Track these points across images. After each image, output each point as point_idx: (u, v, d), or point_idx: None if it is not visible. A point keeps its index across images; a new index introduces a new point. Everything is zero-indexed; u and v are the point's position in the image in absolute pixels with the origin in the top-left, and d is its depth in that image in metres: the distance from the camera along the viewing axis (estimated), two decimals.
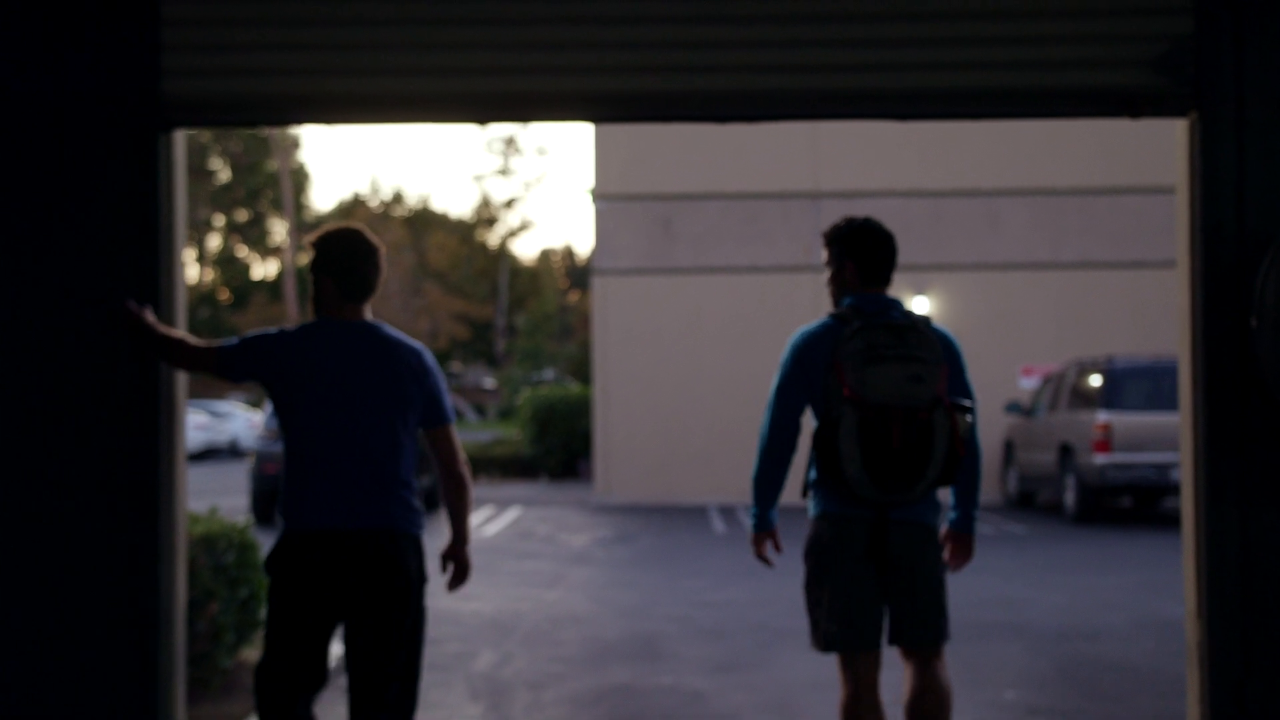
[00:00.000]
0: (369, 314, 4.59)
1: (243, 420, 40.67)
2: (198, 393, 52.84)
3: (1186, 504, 5.22)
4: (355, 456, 4.41)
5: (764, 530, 4.91)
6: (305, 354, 4.45)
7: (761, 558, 4.96)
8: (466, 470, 4.68)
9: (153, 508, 5.05)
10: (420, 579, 4.52)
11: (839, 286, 4.97)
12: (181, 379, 5.26)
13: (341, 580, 4.38)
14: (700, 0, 5.28)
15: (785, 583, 12.33)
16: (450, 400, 4.70)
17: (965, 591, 11.80)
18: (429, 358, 4.60)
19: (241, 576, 7.59)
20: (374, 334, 4.52)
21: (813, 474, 4.81)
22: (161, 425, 5.11)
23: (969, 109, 5.35)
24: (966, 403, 4.78)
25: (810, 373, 4.74)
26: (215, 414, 41.35)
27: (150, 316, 4.84)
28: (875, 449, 4.54)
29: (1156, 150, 21.54)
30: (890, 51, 5.25)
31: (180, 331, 4.95)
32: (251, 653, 8.41)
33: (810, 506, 4.87)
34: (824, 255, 5.03)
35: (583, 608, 11.27)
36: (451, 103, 5.34)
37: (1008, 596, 11.64)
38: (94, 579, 5.03)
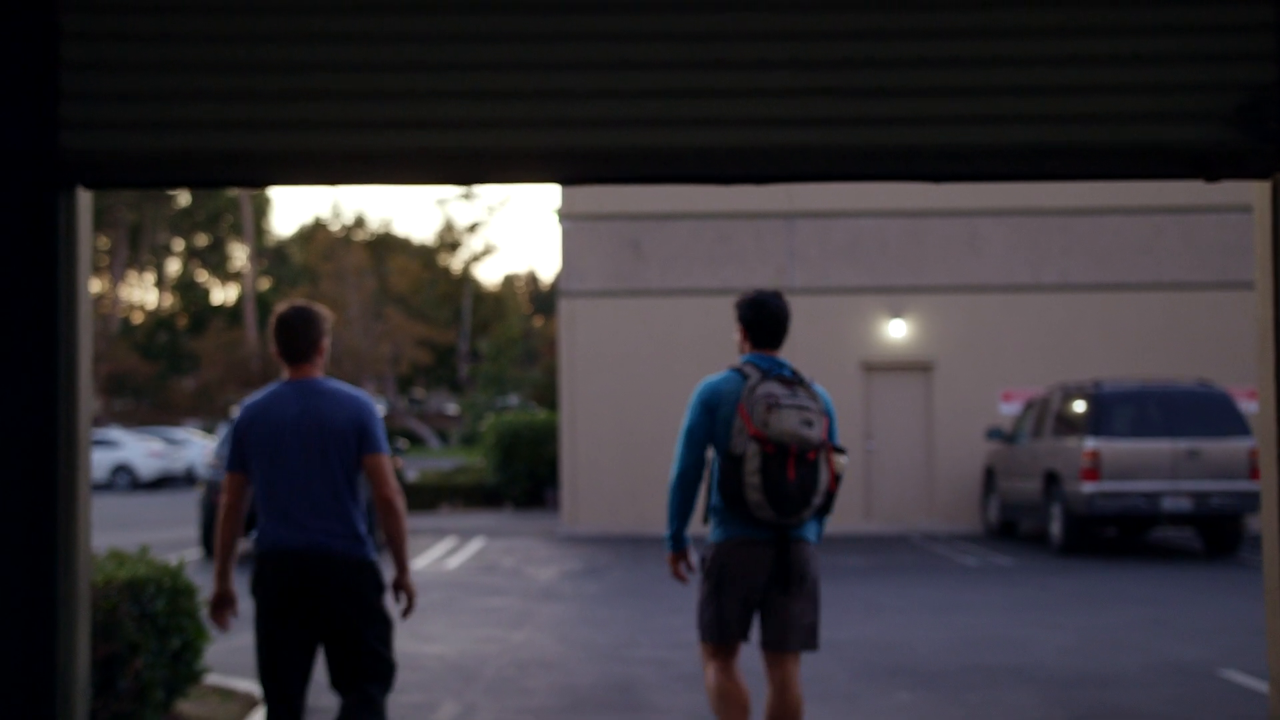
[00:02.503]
0: (318, 370, 5.34)
1: (198, 447, 39.58)
2: (152, 419, 51.81)
3: (1271, 551, 4.48)
4: (305, 491, 5.16)
5: (680, 550, 5.78)
6: (264, 415, 5.25)
7: (677, 575, 5.82)
8: (397, 498, 5.29)
9: (49, 557, 4.25)
10: (367, 592, 5.22)
11: (740, 346, 5.89)
12: (84, 409, 4.45)
13: (301, 591, 5.14)
14: (698, 43, 4.49)
15: None
16: (384, 436, 5.37)
17: (961, 630, 11.10)
18: (365, 401, 5.35)
19: (173, 625, 6.78)
20: (315, 387, 5.29)
21: (716, 502, 5.64)
22: (60, 462, 4.30)
23: (1014, 169, 4.59)
24: (841, 445, 5.72)
25: (717, 416, 5.61)
26: (171, 441, 40.30)
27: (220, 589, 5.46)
28: (774, 480, 5.42)
29: None
30: (922, 102, 4.48)
31: (218, 534, 5.37)
32: (187, 705, 7.60)
33: (712, 533, 5.70)
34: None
35: (552, 650, 10.48)
36: (406, 162, 4.58)
37: (1008, 636, 10.91)
38: None
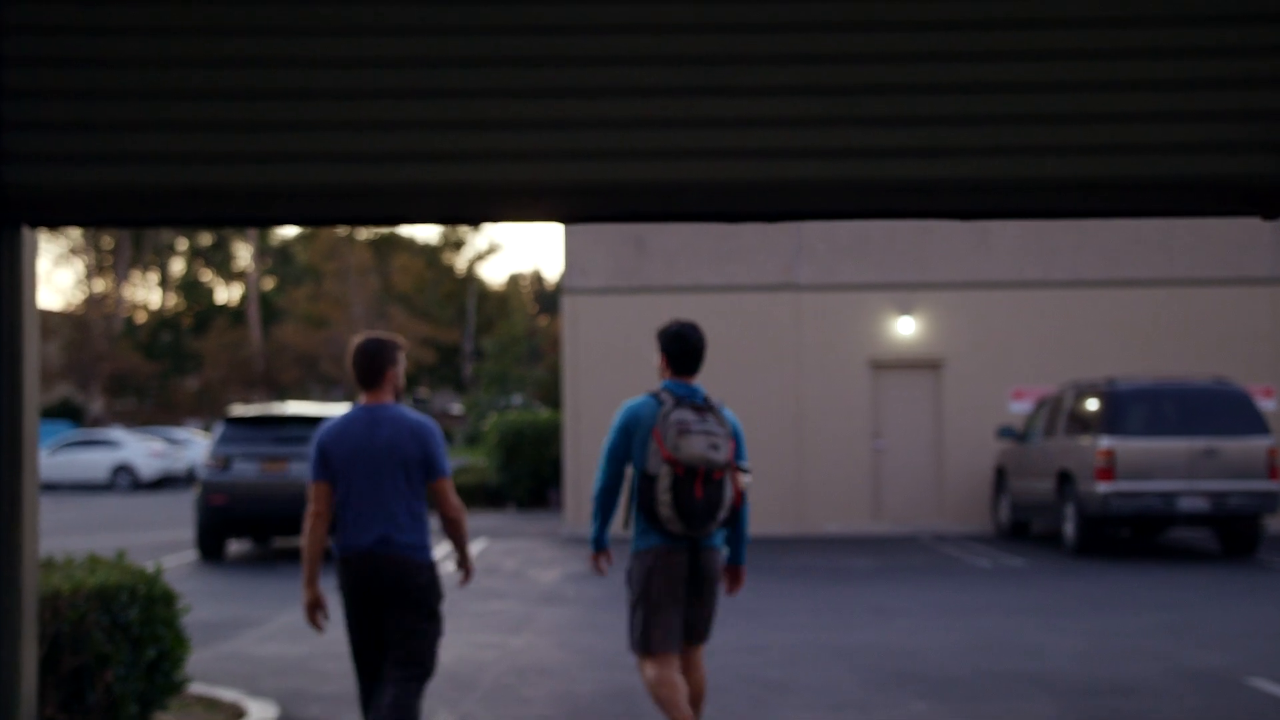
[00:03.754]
0: (387, 395, 6.00)
1: (200, 447, 39.21)
2: (154, 419, 51.49)
3: None
4: (379, 503, 5.90)
5: (602, 549, 6.45)
6: (344, 435, 5.94)
7: (598, 569, 6.48)
8: (458, 514, 6.07)
9: None
10: (424, 589, 5.94)
11: (661, 371, 6.42)
12: (30, 398, 4.09)
13: (369, 586, 5.89)
14: (709, 67, 4.10)
15: (776, 626, 11.30)
16: (446, 459, 6.04)
17: (974, 634, 10.75)
18: (430, 427, 6.00)
19: (148, 634, 6.42)
20: (384, 413, 5.96)
21: (636, 515, 6.26)
22: (2, 460, 3.95)
23: (1051, 205, 4.20)
24: (746, 465, 6.32)
25: (634, 438, 6.26)
26: (172, 441, 39.97)
27: (311, 593, 6.04)
28: (683, 498, 6.06)
29: None
30: (952, 132, 4.09)
31: (307, 542, 6.00)
32: (167, 718, 7.25)
33: (634, 542, 6.31)
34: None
35: (552, 656, 10.14)
36: (388, 197, 4.13)
37: (1022, 641, 10.54)
38: None
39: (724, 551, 6.41)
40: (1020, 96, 4.13)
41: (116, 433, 38.72)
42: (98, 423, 50.05)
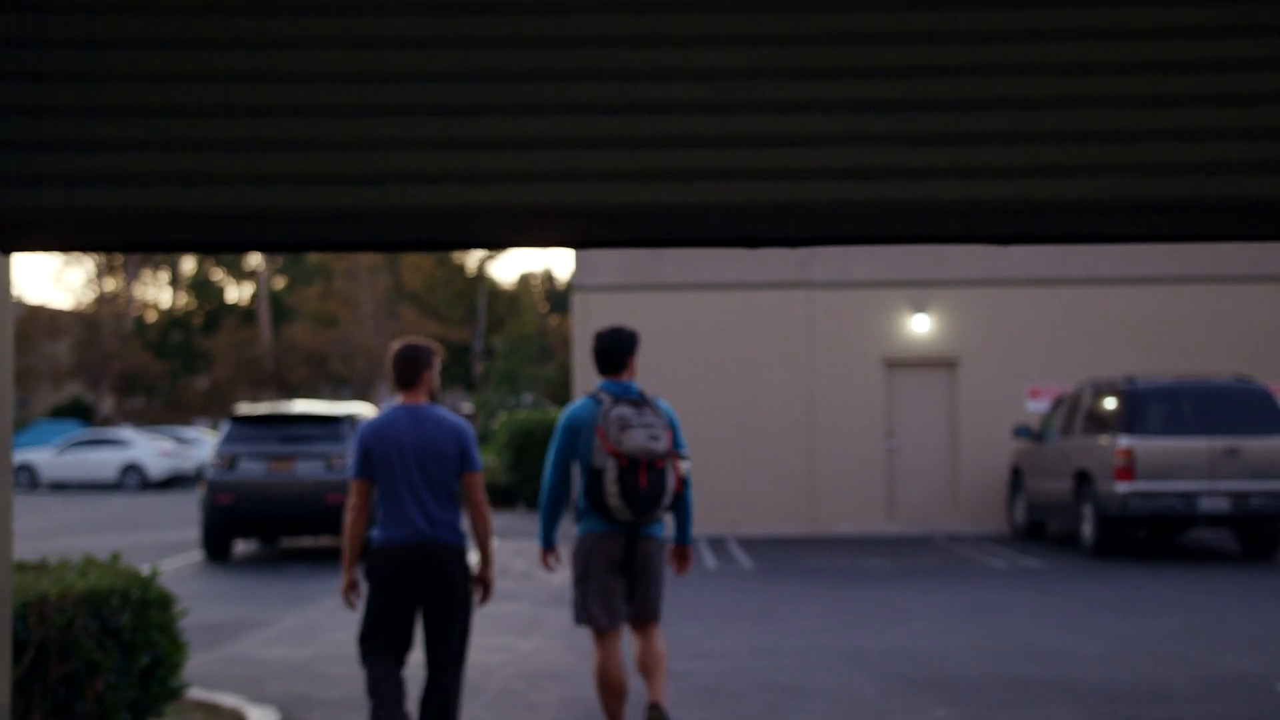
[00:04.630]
0: (423, 396, 6.45)
1: (209, 446, 38.98)
2: (164, 419, 51.37)
3: None
4: (419, 497, 6.29)
5: (550, 548, 7.04)
6: (382, 433, 6.35)
7: (546, 566, 7.07)
8: (486, 506, 6.48)
9: None
10: (462, 579, 6.37)
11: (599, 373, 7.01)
12: (5, 414, 3.86)
13: (408, 577, 6.26)
14: (728, 82, 3.84)
15: (788, 629, 11.07)
16: (479, 455, 6.45)
17: (993, 638, 10.51)
18: (466, 427, 6.44)
19: (141, 640, 6.19)
20: (425, 413, 6.40)
21: (582, 504, 6.81)
22: None
23: (1098, 229, 3.89)
24: (685, 452, 6.83)
25: (578, 439, 6.79)
26: (181, 440, 39.79)
27: (349, 579, 6.47)
28: (630, 487, 6.58)
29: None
30: (989, 150, 3.82)
31: (347, 535, 6.40)
32: None
33: (578, 527, 6.89)
34: None
35: (562, 660, 9.91)
36: (392, 220, 3.85)
37: (1043, 646, 10.29)
38: None
39: (664, 539, 6.89)
40: (1064, 113, 3.85)
41: (126, 432, 38.56)
42: (107, 422, 49.92)
